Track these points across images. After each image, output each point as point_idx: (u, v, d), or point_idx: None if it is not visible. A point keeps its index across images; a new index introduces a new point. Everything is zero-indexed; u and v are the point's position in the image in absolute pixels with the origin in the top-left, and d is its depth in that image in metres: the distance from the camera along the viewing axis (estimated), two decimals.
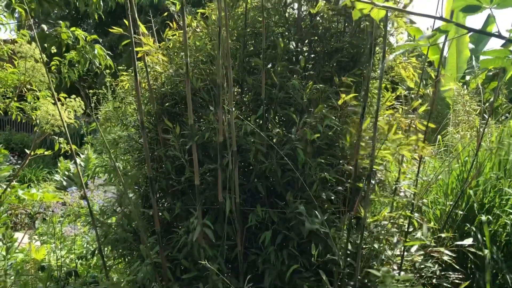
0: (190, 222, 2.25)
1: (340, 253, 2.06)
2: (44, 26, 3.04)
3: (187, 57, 2.15)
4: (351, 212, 2.02)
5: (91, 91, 8.30)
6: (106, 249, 2.94)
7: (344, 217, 2.09)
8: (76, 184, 7.37)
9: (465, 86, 5.63)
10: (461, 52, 7.23)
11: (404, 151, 2.06)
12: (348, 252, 2.27)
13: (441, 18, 1.49)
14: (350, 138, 2.14)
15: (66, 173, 8.21)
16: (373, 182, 2.63)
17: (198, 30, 2.96)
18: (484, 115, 4.05)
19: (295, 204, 2.21)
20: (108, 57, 3.36)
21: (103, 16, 3.31)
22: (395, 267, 2.27)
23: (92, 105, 8.36)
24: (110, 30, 2.65)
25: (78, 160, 8.30)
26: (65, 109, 3.70)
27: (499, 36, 1.47)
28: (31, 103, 4.09)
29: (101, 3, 3.16)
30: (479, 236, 2.73)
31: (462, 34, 1.81)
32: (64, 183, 7.85)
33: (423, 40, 1.49)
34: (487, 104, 5.33)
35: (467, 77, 7.55)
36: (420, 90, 2.84)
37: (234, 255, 2.40)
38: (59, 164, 8.58)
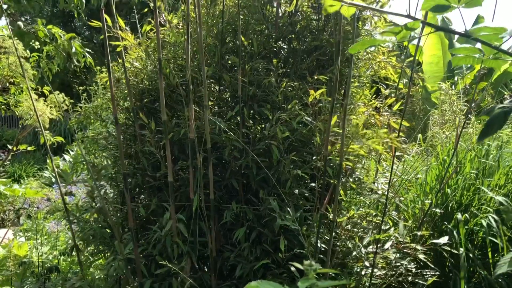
0: (163, 218, 2.25)
1: (311, 249, 2.07)
2: (21, 23, 3.01)
3: (160, 54, 2.14)
4: (322, 209, 2.03)
5: (81, 87, 8.26)
6: (87, 245, 2.94)
7: (315, 214, 2.10)
8: (64, 180, 7.36)
9: (453, 86, 5.66)
10: (445, 53, 7.27)
11: (375, 145, 2.07)
12: (323, 249, 2.28)
13: (409, 16, 1.49)
14: (320, 134, 2.15)
15: (56, 169, 8.19)
16: (351, 180, 2.65)
17: (179, 26, 2.96)
18: (469, 115, 4.07)
19: (269, 200, 2.22)
20: (88, 55, 3.35)
21: (83, 15, 3.30)
22: (367, 264, 2.28)
23: (83, 101, 8.33)
24: (89, 23, 2.64)
25: (67, 157, 8.29)
26: (48, 105, 3.69)
27: (465, 34, 1.47)
28: (15, 96, 4.08)
29: (83, 1, 3.15)
30: (456, 234, 2.75)
31: (429, 32, 1.82)
32: (53, 179, 7.84)
33: (388, 33, 1.47)
34: (473, 104, 5.36)
35: (456, 78, 7.60)
36: (403, 89, 2.85)
37: (210, 252, 2.40)
38: (48, 161, 8.56)
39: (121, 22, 2.59)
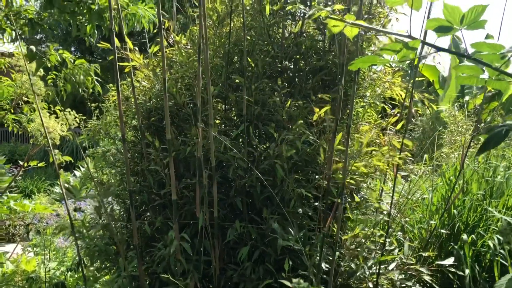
0: (168, 236, 2.27)
1: (314, 269, 2.06)
2: (33, 47, 3.12)
3: (165, 74, 2.20)
4: (325, 228, 2.03)
5: (93, 104, 8.41)
6: (93, 261, 2.96)
7: (318, 234, 2.10)
8: (74, 196, 7.43)
9: (456, 106, 5.65)
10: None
11: (376, 162, 2.08)
12: (326, 269, 2.27)
13: (409, 37, 1.51)
14: (324, 153, 2.16)
15: (66, 185, 8.28)
16: (356, 199, 2.65)
17: (188, 47, 3.02)
18: (478, 135, 4.04)
19: (272, 220, 2.22)
20: (97, 83, 3.46)
21: (92, 40, 3.41)
22: (371, 285, 2.26)
23: (94, 118, 8.45)
24: (98, 45, 2.72)
25: (77, 173, 8.37)
26: (58, 122, 3.77)
27: (466, 55, 1.48)
28: (28, 115, 4.18)
29: (95, 31, 3.25)
30: (462, 255, 2.72)
31: (431, 53, 1.86)
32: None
33: (388, 51, 1.47)
34: (482, 124, 5.34)
35: (466, 97, 7.58)
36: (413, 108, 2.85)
37: (213, 270, 2.40)
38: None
39: (130, 43, 2.66)
